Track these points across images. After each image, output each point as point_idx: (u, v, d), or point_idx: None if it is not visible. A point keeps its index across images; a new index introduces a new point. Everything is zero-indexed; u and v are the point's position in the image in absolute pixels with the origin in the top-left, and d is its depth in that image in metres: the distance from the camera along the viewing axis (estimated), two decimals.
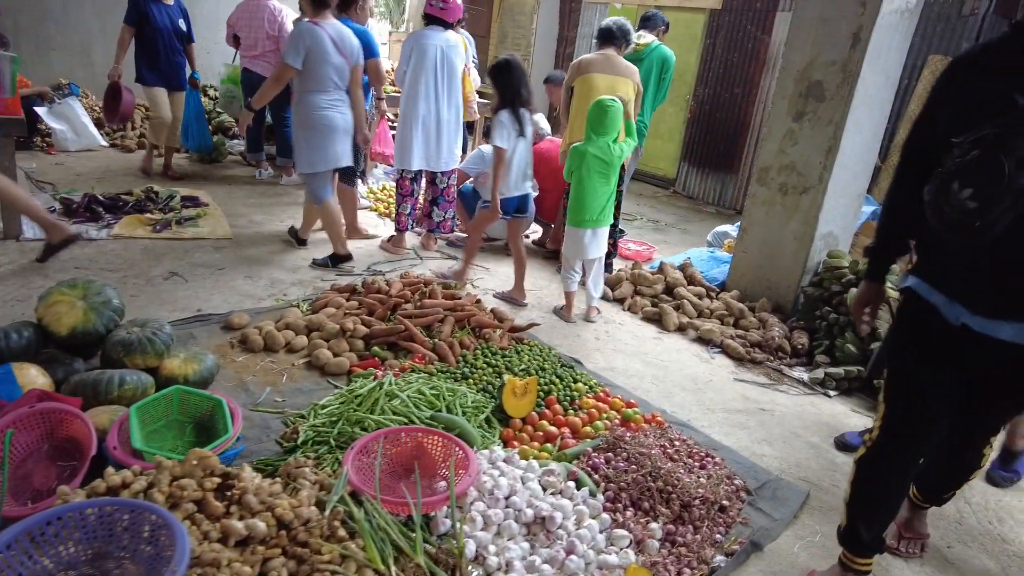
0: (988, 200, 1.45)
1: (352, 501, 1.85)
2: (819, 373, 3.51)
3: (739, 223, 4.58)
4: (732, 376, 3.51)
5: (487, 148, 4.61)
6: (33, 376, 2.30)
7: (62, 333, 2.54)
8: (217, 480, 1.73)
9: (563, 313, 3.98)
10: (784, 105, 4.03)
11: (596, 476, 2.33)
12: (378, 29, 12.92)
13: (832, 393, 3.42)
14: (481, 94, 6.58)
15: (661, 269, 4.53)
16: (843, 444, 2.92)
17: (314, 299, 3.63)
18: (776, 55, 6.70)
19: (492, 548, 1.92)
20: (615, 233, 4.68)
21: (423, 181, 4.87)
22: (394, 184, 5.13)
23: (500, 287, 4.28)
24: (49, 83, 6.72)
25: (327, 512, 1.78)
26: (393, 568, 1.69)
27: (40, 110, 6.17)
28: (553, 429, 2.63)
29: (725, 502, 2.32)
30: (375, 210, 5.73)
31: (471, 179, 5.25)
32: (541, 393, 2.84)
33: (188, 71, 5.81)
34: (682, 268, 4.56)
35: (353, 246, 4.55)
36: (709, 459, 2.56)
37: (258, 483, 1.78)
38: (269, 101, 4.27)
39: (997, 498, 2.68)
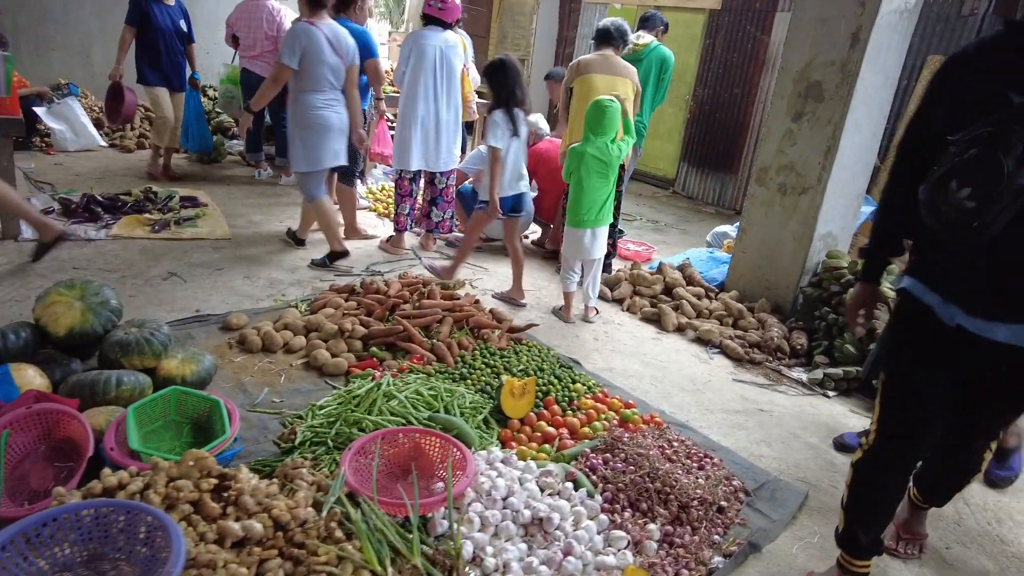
0: (986, 199, 1.44)
1: (349, 502, 1.85)
2: (818, 374, 3.51)
3: (738, 223, 4.57)
4: (731, 377, 3.51)
5: (485, 148, 4.61)
6: (30, 377, 2.29)
7: (60, 333, 2.54)
8: (214, 481, 1.73)
9: (562, 313, 3.98)
10: (783, 105, 4.03)
11: (594, 477, 2.32)
12: (378, 29, 12.91)
13: (831, 394, 3.41)
14: (480, 94, 6.57)
15: (660, 269, 4.52)
16: (842, 445, 2.91)
17: (313, 299, 3.63)
18: (776, 55, 6.69)
19: (489, 549, 1.92)
20: (614, 233, 4.68)
21: (422, 181, 4.86)
22: (393, 184, 5.12)
23: (499, 287, 4.28)
24: (48, 83, 6.72)
25: (324, 513, 1.78)
26: (390, 569, 1.69)
27: (39, 110, 6.17)
28: (551, 430, 2.62)
29: (723, 503, 2.31)
30: (374, 210, 5.73)
31: (470, 179, 5.25)
32: (539, 394, 2.84)
33: (188, 72, 5.82)
34: (681, 268, 4.56)
35: (352, 246, 4.54)
36: (707, 460, 2.56)
37: (255, 484, 1.78)
38: (268, 102, 4.27)
39: (996, 499, 2.68)
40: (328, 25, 3.99)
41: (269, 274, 4.08)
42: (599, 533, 2.07)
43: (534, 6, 9.35)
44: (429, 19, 4.45)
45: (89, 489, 1.65)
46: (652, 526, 2.13)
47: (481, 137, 6.97)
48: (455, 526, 1.89)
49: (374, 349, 3.14)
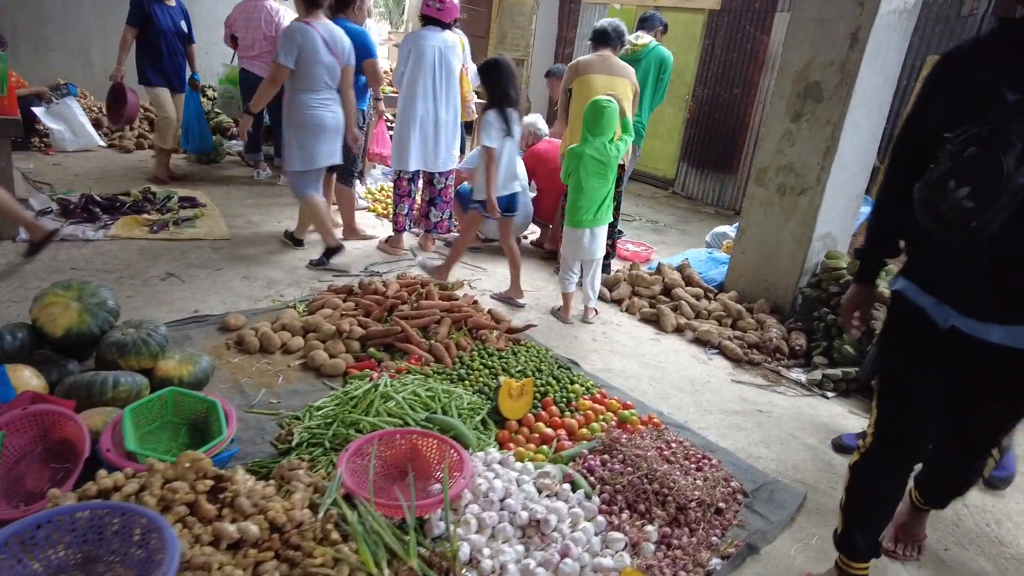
0: (986, 198, 1.42)
1: (346, 504, 1.85)
2: (817, 374, 3.50)
3: (737, 224, 4.57)
4: (729, 377, 3.50)
5: None
6: (27, 378, 2.29)
7: (57, 334, 2.54)
8: (210, 483, 1.73)
9: (560, 314, 3.97)
10: (782, 106, 4.02)
11: (592, 478, 2.32)
12: (377, 30, 12.91)
13: (830, 394, 3.41)
14: (479, 94, 6.57)
15: (659, 270, 4.52)
16: (840, 446, 2.91)
17: (311, 300, 3.62)
18: (775, 55, 6.69)
19: (486, 551, 1.91)
20: (613, 234, 4.67)
21: (420, 182, 4.86)
22: (392, 185, 5.12)
23: (497, 288, 4.27)
24: (47, 83, 6.71)
25: (320, 515, 1.77)
26: (386, 571, 1.69)
27: (38, 110, 6.17)
28: (549, 431, 2.62)
29: (721, 504, 2.31)
30: (373, 211, 5.72)
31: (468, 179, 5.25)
32: (537, 395, 2.83)
33: (188, 72, 5.82)
34: (680, 269, 4.56)
35: (351, 247, 4.54)
36: (706, 461, 2.55)
37: (251, 486, 1.78)
38: (268, 103, 4.26)
39: (994, 500, 2.67)
40: (324, 25, 3.99)
41: (268, 274, 4.07)
42: (596, 535, 2.06)
43: (533, 6, 9.34)
44: (427, 19, 4.44)
45: (84, 491, 1.65)
46: (650, 528, 2.12)
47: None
48: (452, 528, 1.89)
49: (372, 350, 3.14)
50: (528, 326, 3.59)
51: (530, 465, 2.32)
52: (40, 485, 1.96)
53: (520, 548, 1.96)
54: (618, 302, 4.32)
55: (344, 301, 3.56)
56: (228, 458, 2.17)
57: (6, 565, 1.38)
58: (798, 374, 3.58)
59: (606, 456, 2.42)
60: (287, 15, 5.70)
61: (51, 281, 3.05)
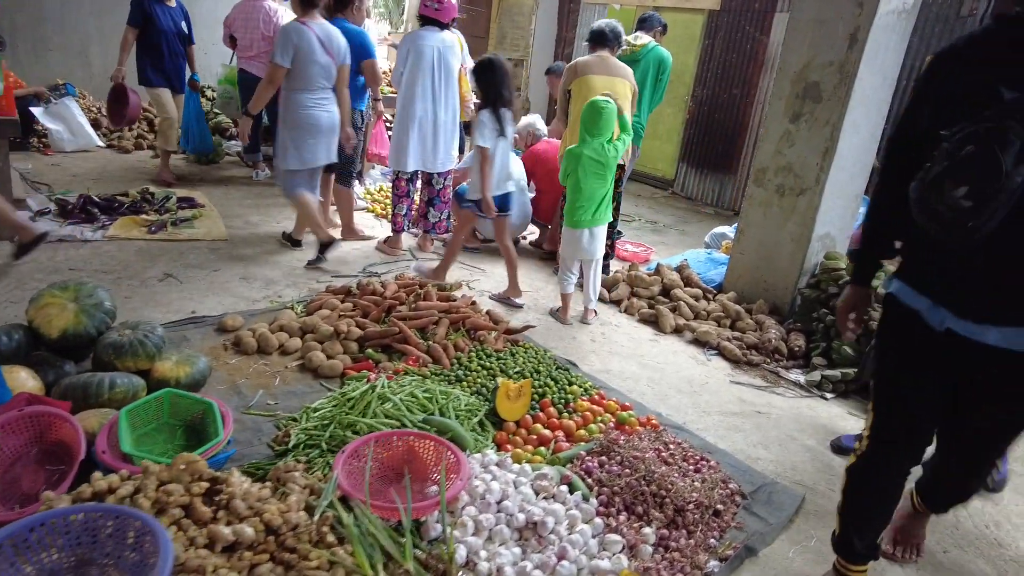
0: (983, 197, 1.41)
1: (342, 506, 1.84)
2: (816, 375, 3.49)
3: (736, 224, 4.56)
4: (728, 378, 3.49)
5: None
6: (23, 379, 2.28)
7: (53, 335, 2.53)
8: (205, 485, 1.72)
9: (559, 315, 3.97)
10: (781, 106, 4.02)
11: (589, 480, 2.31)
12: (376, 30, 12.89)
13: (829, 396, 3.40)
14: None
15: (658, 271, 4.51)
16: (839, 447, 2.90)
17: (309, 301, 3.61)
18: (775, 56, 6.68)
19: (483, 553, 1.91)
20: (612, 234, 4.66)
21: (419, 182, 4.85)
22: (390, 185, 5.11)
23: (496, 289, 4.26)
24: (46, 83, 6.70)
25: (316, 517, 1.77)
26: (382, 574, 1.68)
27: (36, 110, 6.16)
28: (547, 432, 2.61)
29: (720, 506, 2.30)
30: (371, 211, 5.72)
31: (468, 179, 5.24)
32: (535, 396, 2.83)
33: (188, 73, 5.82)
34: (679, 269, 4.55)
35: (349, 247, 4.53)
36: (704, 463, 2.54)
37: (246, 488, 1.77)
38: (266, 103, 4.25)
39: (993, 502, 2.67)
40: (320, 25, 3.99)
41: (266, 275, 4.07)
42: (594, 537, 2.06)
43: (533, 7, 9.34)
44: (426, 19, 4.44)
45: (79, 493, 1.64)
46: (647, 530, 2.12)
47: None
48: (448, 530, 1.88)
49: (370, 351, 3.13)
50: (526, 327, 3.58)
51: (527, 467, 2.31)
52: (36, 487, 1.96)
53: (517, 550, 1.95)
54: (617, 303, 4.31)
55: (342, 302, 3.55)
56: (224, 460, 2.16)
57: None
58: (797, 375, 3.57)
59: (604, 458, 2.42)
60: (285, 15, 5.69)
61: (48, 282, 3.04)
